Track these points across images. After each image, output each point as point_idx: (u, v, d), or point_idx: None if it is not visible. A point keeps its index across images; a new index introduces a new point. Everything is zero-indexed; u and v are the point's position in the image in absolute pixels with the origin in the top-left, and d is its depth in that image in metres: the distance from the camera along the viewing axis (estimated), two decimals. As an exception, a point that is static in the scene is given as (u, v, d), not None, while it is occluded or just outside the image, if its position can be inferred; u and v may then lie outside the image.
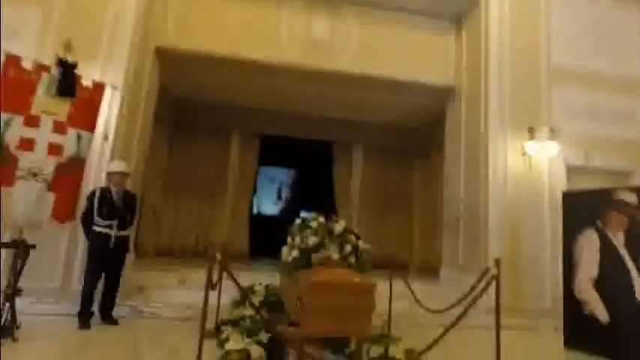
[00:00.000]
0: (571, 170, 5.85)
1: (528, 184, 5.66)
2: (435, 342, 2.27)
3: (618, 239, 4.06)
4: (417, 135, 9.18)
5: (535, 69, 5.99)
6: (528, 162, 5.69)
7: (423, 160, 9.07)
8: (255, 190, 9.46)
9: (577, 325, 4.23)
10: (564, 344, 4.29)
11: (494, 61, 5.89)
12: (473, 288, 2.84)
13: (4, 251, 4.07)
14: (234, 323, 3.64)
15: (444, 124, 7.01)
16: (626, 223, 4.01)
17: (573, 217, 4.48)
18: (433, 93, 6.84)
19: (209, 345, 2.73)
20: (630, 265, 3.93)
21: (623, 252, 4.00)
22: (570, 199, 4.62)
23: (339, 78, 6.42)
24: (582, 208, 4.40)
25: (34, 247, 3.73)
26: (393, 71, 6.35)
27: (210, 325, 3.62)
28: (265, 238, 8.41)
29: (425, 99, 7.24)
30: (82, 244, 4.45)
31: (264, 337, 3.03)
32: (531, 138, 5.67)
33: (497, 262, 2.57)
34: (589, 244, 4.27)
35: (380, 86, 6.71)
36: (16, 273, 3.60)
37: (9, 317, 3.46)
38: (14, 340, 3.32)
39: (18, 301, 3.58)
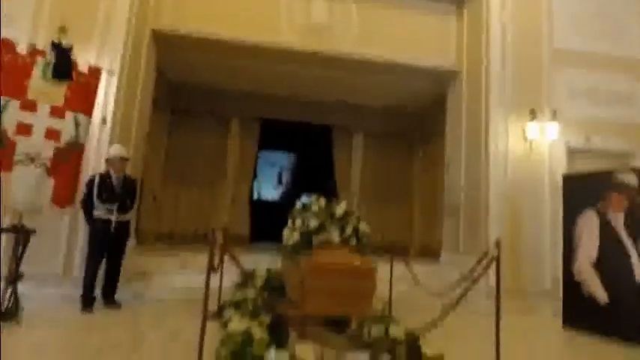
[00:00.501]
0: (572, 152, 5.84)
1: (529, 167, 5.65)
2: (435, 322, 2.30)
3: (618, 221, 4.07)
4: (417, 119, 9.11)
5: (537, 51, 5.91)
6: (529, 145, 5.67)
7: (424, 145, 9.03)
8: (255, 175, 9.44)
9: (576, 306, 4.28)
10: (563, 324, 4.35)
11: (495, 44, 5.81)
12: (473, 269, 2.85)
13: (4, 236, 4.08)
14: (237, 305, 3.67)
15: (445, 108, 6.95)
16: (626, 205, 4.02)
17: (574, 200, 4.49)
18: (434, 76, 6.75)
19: (211, 326, 2.75)
20: (630, 246, 3.95)
21: (623, 233, 4.02)
22: (571, 182, 4.62)
23: (339, 61, 6.32)
24: (583, 191, 4.40)
25: (34, 232, 3.74)
26: (393, 54, 6.24)
27: (212, 307, 3.66)
28: (266, 222, 8.43)
29: (425, 82, 7.15)
30: (82, 228, 4.46)
31: (266, 318, 3.06)
32: (532, 120, 5.64)
33: (498, 243, 2.57)
34: (589, 226, 4.28)
35: (380, 69, 6.61)
36: (18, 258, 3.62)
37: (12, 301, 3.49)
38: (18, 323, 3.36)
39: (20, 286, 3.60)
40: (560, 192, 4.82)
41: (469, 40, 6.35)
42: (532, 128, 5.61)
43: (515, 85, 5.76)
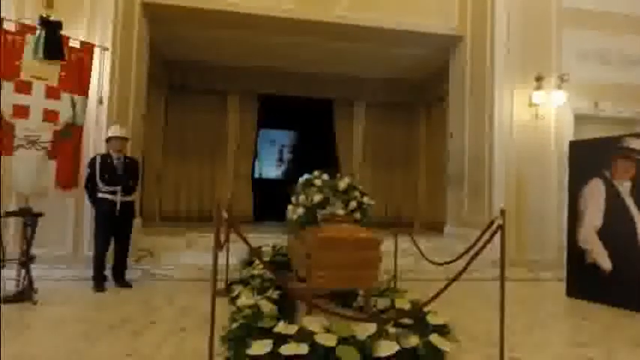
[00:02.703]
0: (579, 119, 5.71)
1: (535, 135, 5.55)
2: (440, 293, 2.32)
3: (624, 188, 4.03)
4: (419, 88, 8.91)
5: (545, 11, 5.65)
6: (535, 112, 5.54)
7: (427, 114, 8.88)
8: (256, 154, 9.41)
9: (580, 275, 4.32)
10: (566, 293, 4.40)
11: (500, 4, 5.55)
12: (478, 240, 2.86)
13: (13, 220, 4.13)
14: (244, 282, 3.74)
15: (448, 76, 6.76)
16: (634, 172, 3.96)
17: (580, 167, 4.43)
18: (436, 42, 6.49)
19: (220, 302, 2.81)
20: (635, 213, 3.93)
21: (629, 200, 3.99)
22: (577, 148, 4.55)
23: (337, 28, 6.04)
24: (589, 158, 4.33)
25: (42, 214, 3.78)
26: (393, 20, 5.94)
27: (220, 285, 3.73)
28: (268, 201, 8.47)
29: (427, 49, 6.90)
30: (88, 210, 4.50)
31: (273, 293, 3.12)
32: (539, 87, 5.48)
33: (503, 212, 2.55)
34: (595, 194, 4.25)
35: (379, 37, 6.35)
36: (28, 240, 3.67)
37: (26, 282, 3.58)
38: (34, 303, 3.45)
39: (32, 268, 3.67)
40: (566, 159, 4.76)
41: (473, 2, 6.07)
42: (538, 94, 5.47)
43: (522, 48, 5.56)
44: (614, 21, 5.82)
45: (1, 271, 3.52)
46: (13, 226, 4.23)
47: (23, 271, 3.62)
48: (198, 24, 6.17)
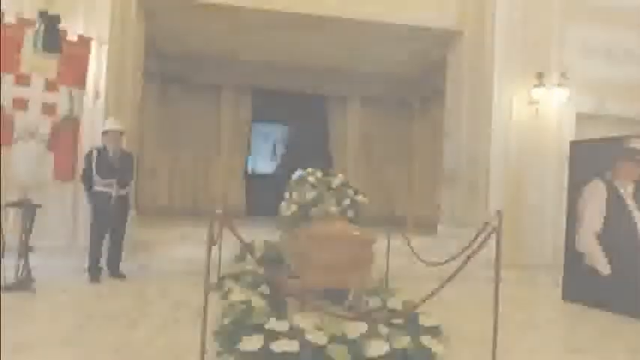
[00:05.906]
0: (582, 118, 5.57)
1: (534, 134, 5.42)
2: (432, 294, 2.29)
3: (627, 191, 3.95)
4: (415, 84, 8.76)
5: (547, 4, 5.49)
6: (535, 110, 5.41)
7: (423, 111, 8.77)
8: (249, 148, 9.41)
9: (577, 278, 4.25)
10: (563, 297, 4.34)
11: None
12: (473, 241, 2.82)
13: (11, 211, 4.16)
14: (236, 277, 3.74)
15: (445, 72, 6.63)
16: (637, 174, 3.88)
17: (581, 168, 4.35)
18: (433, 37, 6.31)
19: (213, 297, 2.81)
20: (637, 217, 3.85)
21: (631, 204, 3.91)
22: (578, 149, 4.46)
23: (332, 23, 5.93)
24: (591, 159, 4.25)
25: (39, 206, 3.81)
26: (389, 13, 5.74)
27: (212, 279, 3.73)
28: (261, 196, 8.46)
29: (424, 43, 6.72)
30: (85, 202, 4.52)
31: (265, 289, 3.12)
32: (540, 84, 5.34)
33: (499, 213, 2.51)
34: (595, 196, 4.17)
35: (375, 31, 6.22)
36: (27, 231, 3.71)
37: (24, 272, 3.61)
38: (32, 292, 3.51)
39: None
40: (567, 160, 4.67)
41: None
42: (539, 92, 5.34)
43: (523, 42, 5.41)
44: (620, 15, 5.61)
45: (1, 260, 3.55)
46: (12, 217, 4.26)
47: (22, 261, 3.66)
48: (193, 17, 6.14)
